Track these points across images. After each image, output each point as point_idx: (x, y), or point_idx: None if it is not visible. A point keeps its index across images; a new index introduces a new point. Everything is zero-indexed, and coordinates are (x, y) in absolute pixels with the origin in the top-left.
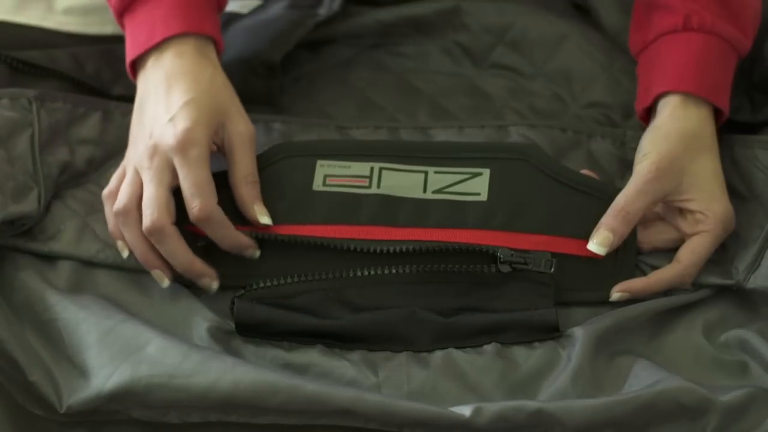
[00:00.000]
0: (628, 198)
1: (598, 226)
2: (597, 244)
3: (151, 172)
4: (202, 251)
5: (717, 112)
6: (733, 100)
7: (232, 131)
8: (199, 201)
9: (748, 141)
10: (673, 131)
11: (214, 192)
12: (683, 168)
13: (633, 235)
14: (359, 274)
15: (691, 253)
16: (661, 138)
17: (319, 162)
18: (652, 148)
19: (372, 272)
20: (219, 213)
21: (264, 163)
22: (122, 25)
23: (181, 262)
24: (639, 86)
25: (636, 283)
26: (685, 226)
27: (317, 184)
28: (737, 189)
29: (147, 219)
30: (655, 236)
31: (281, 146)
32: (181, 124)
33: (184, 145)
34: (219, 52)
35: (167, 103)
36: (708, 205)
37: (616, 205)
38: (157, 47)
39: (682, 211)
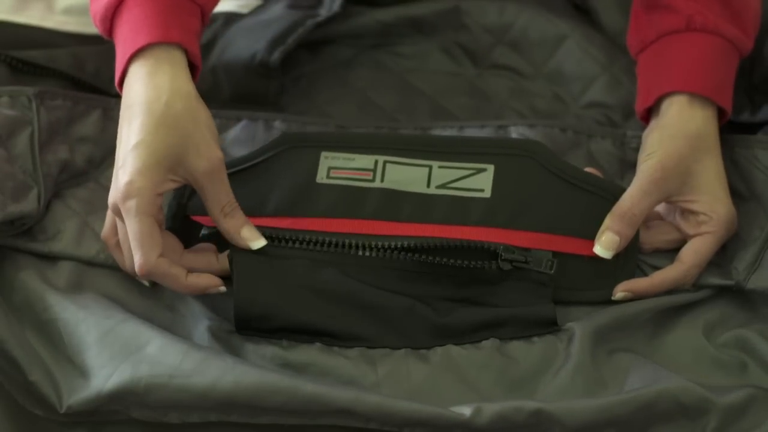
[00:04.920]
0: (633, 199)
1: (602, 228)
2: (603, 248)
3: (107, 221)
4: (204, 240)
5: (719, 112)
6: (733, 100)
7: (192, 169)
8: (138, 256)
9: (748, 141)
10: (679, 131)
11: (155, 244)
12: (688, 168)
13: (635, 235)
14: (361, 254)
15: (694, 253)
16: (666, 138)
17: (324, 154)
18: (658, 147)
19: (374, 254)
20: (162, 265)
21: (268, 152)
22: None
23: (181, 290)
24: (639, 86)
25: (639, 283)
26: (688, 227)
27: (321, 177)
28: (737, 189)
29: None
30: (656, 237)
31: (286, 136)
32: (123, 177)
33: (124, 199)
34: (193, 60)
35: (121, 148)
36: (712, 206)
37: (621, 206)
38: (125, 71)
39: (684, 212)
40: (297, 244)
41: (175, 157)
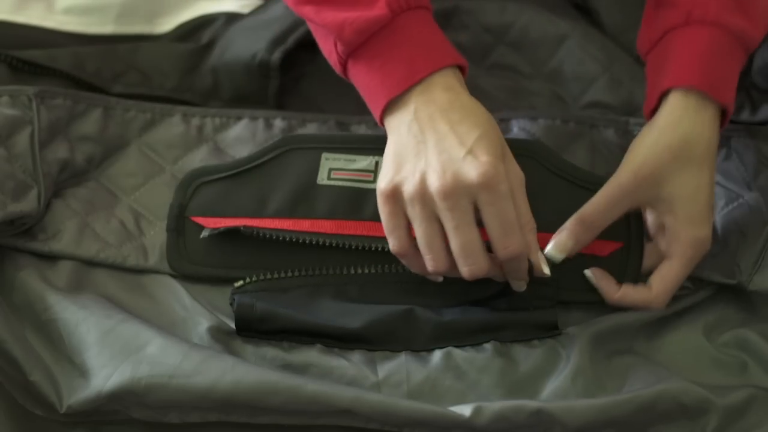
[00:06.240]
0: (598, 206)
1: (561, 229)
2: (554, 250)
3: (458, 213)
4: (205, 242)
5: (722, 111)
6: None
7: (511, 172)
8: (511, 240)
9: (754, 133)
10: (665, 137)
11: (519, 229)
12: (664, 178)
13: (640, 239)
14: (359, 271)
15: (661, 280)
16: (649, 143)
17: (324, 155)
18: (638, 151)
19: (372, 270)
20: (526, 249)
21: (269, 153)
22: (348, 68)
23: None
24: (647, 88)
25: (609, 291)
26: (662, 244)
27: (322, 178)
28: (742, 181)
29: (470, 269)
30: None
31: (286, 138)
32: (484, 158)
33: (490, 182)
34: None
35: (457, 136)
36: (681, 225)
37: (584, 212)
38: (421, 82)
39: (659, 226)
40: (296, 273)
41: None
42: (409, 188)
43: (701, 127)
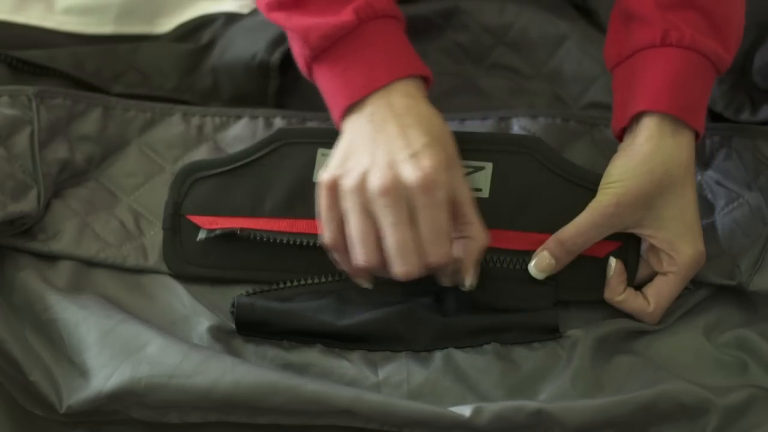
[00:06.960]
0: (579, 229)
1: (542, 247)
2: (537, 269)
3: (396, 210)
4: (201, 242)
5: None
6: (733, 100)
7: (459, 186)
8: (439, 249)
9: (752, 132)
10: (644, 164)
11: (451, 239)
12: (647, 202)
13: (637, 241)
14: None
15: (657, 294)
16: (630, 170)
17: (320, 151)
18: (619, 178)
19: None
20: (452, 261)
21: (264, 148)
22: (313, 71)
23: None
24: (615, 103)
25: (616, 288)
26: (654, 262)
27: (317, 176)
28: (742, 181)
29: (406, 269)
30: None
31: (282, 132)
32: (426, 162)
33: (428, 186)
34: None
35: (405, 139)
36: (672, 245)
37: (565, 233)
38: (381, 88)
39: (650, 245)
40: (295, 283)
41: (449, 169)
42: (348, 182)
43: (679, 151)
